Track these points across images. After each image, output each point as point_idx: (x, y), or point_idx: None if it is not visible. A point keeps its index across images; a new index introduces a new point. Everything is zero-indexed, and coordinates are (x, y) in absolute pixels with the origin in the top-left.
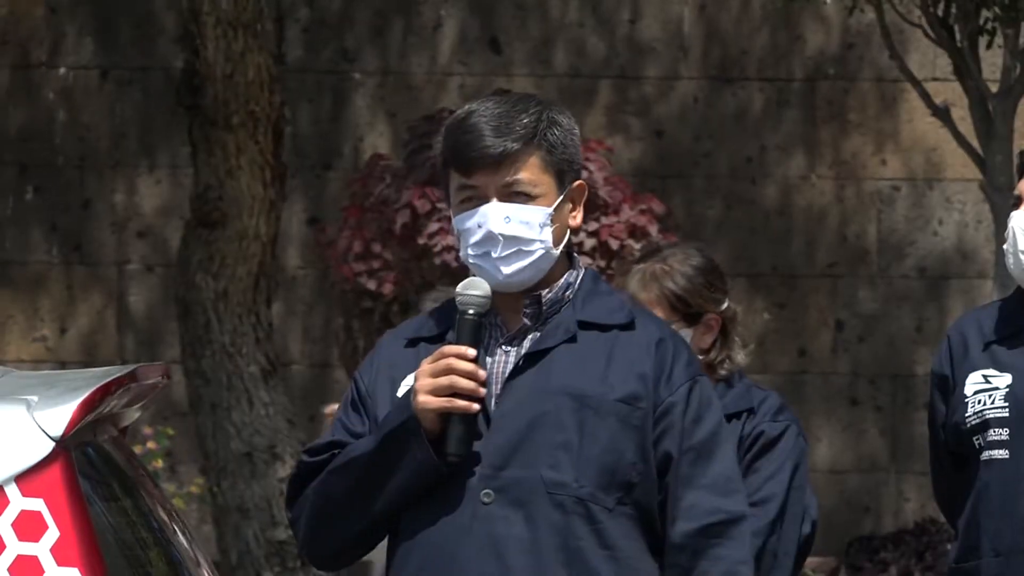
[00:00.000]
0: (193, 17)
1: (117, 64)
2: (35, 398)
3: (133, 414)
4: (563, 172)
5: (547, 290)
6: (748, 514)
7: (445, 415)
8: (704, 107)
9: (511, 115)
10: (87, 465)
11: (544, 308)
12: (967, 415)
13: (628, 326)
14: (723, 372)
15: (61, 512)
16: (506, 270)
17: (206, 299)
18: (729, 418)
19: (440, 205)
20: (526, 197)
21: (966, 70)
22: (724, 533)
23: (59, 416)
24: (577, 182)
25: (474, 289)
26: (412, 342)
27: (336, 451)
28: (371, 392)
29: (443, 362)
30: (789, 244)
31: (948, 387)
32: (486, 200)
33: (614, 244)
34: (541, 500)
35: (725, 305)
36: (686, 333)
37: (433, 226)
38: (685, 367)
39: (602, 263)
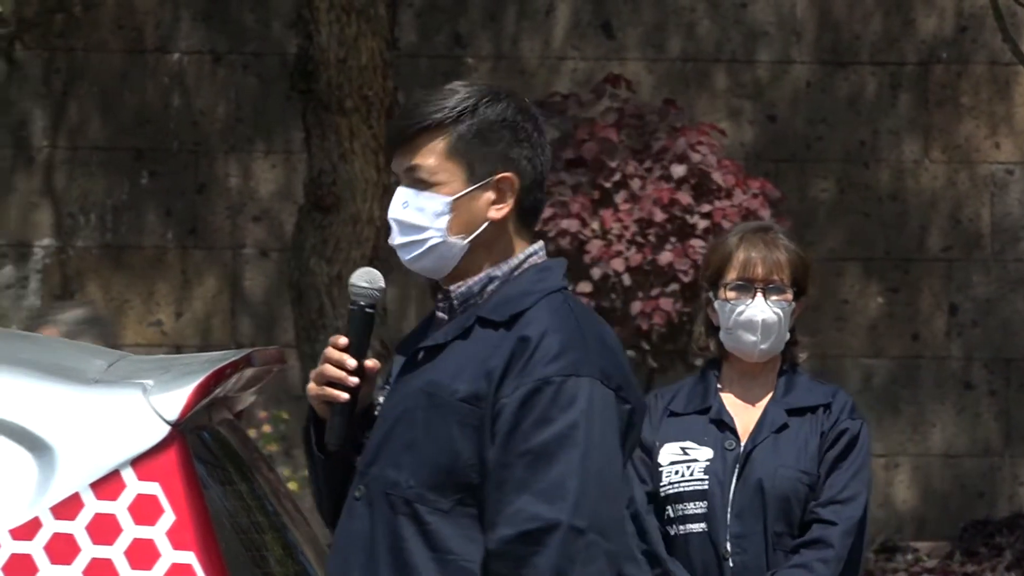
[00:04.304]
0: (307, 2)
1: (231, 49)
2: (151, 382)
3: (248, 398)
4: (475, 162)
5: (459, 284)
6: (566, 522)
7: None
8: (817, 91)
9: (430, 101)
10: (202, 449)
11: (455, 303)
12: None
13: (511, 322)
14: (802, 358)
15: (176, 496)
16: (404, 257)
17: (320, 283)
18: (803, 411)
19: (554, 189)
20: (424, 184)
21: None
22: (540, 540)
23: (174, 400)
24: (502, 174)
25: (361, 280)
26: None
27: None
28: None
29: (325, 352)
30: (902, 228)
31: None
32: (399, 184)
33: (727, 226)
34: (382, 499)
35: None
36: (792, 308)
37: (547, 211)
38: (541, 366)
39: None
